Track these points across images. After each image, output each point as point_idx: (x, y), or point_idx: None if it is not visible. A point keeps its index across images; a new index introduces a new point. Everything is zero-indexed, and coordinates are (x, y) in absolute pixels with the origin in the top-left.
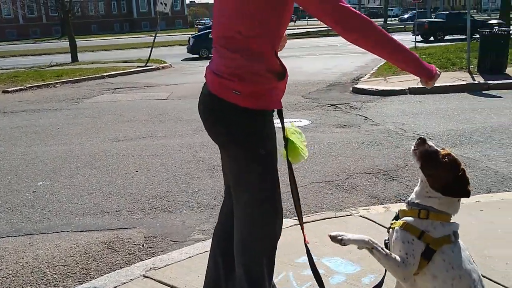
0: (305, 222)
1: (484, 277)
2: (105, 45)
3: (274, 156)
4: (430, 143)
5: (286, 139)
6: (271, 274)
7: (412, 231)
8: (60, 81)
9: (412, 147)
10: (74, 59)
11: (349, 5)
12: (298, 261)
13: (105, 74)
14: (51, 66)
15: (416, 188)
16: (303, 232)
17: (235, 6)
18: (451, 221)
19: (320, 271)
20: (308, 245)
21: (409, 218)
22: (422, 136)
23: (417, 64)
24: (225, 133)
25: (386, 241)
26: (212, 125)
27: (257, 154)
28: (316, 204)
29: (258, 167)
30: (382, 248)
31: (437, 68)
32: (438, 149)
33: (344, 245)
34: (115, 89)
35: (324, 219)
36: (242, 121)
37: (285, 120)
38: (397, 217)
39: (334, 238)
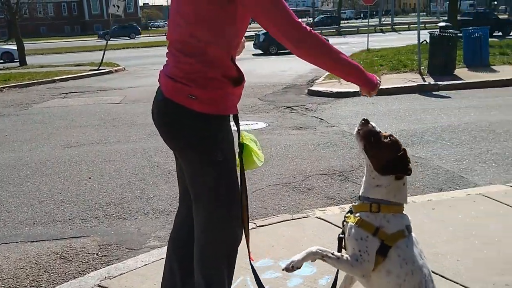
0: (262, 225)
1: (436, 274)
2: (56, 48)
3: (230, 161)
4: (373, 123)
5: (241, 145)
6: (230, 279)
7: (366, 227)
8: (7, 85)
9: (356, 129)
10: (22, 62)
11: (300, 21)
12: (256, 265)
13: (56, 78)
14: None
15: (364, 179)
16: (248, 248)
17: (192, 11)
18: (404, 214)
19: (278, 274)
20: (265, 248)
21: (363, 214)
22: (364, 118)
23: (361, 76)
24: (181, 138)
25: (341, 235)
26: (167, 130)
27: (212, 159)
28: (273, 206)
29: (213, 172)
30: (332, 253)
31: (377, 77)
32: (381, 131)
33: (298, 268)
34: (66, 93)
35: (281, 221)
36: (197, 125)
37: (241, 123)
38: (351, 211)
39: (288, 269)
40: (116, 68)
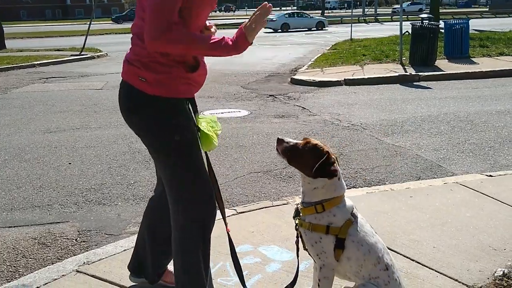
0: (243, 212)
1: (413, 260)
2: (36, 32)
3: (189, 143)
4: (287, 139)
5: (197, 128)
6: (206, 261)
7: (318, 229)
8: None
9: (275, 149)
10: (1, 46)
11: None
12: (236, 251)
13: (36, 62)
14: None
15: (301, 186)
16: (225, 221)
17: (147, 1)
18: (345, 200)
19: (257, 259)
20: (245, 234)
21: (311, 216)
22: (278, 137)
23: (228, 48)
24: (138, 120)
25: (297, 239)
26: (126, 113)
27: (169, 141)
28: (254, 194)
29: (172, 154)
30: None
31: (246, 25)
32: (297, 141)
33: None
34: (46, 78)
35: (261, 208)
36: (151, 107)
37: (224, 111)
38: (297, 212)
39: None
40: (98, 54)
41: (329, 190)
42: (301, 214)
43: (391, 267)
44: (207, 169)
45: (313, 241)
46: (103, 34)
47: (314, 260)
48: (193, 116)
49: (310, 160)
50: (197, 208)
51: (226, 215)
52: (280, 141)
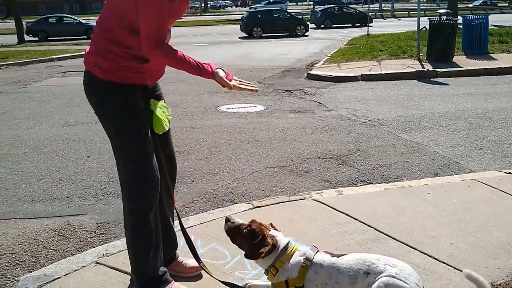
0: (259, 206)
1: (430, 256)
2: None
3: (135, 127)
4: (233, 219)
5: (150, 111)
6: (147, 244)
7: (279, 286)
8: (5, 63)
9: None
10: (21, 40)
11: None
12: None
13: (54, 56)
14: None
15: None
16: (172, 199)
17: (108, 1)
18: (295, 247)
19: None
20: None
21: (274, 278)
22: (226, 216)
23: (201, 72)
24: (93, 101)
25: None
26: (86, 95)
27: (116, 123)
28: (270, 188)
29: (119, 136)
30: None
31: (217, 68)
32: (241, 223)
33: None
34: (65, 72)
35: (278, 203)
36: (103, 91)
37: (239, 106)
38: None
39: None
40: None
41: (270, 257)
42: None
43: (371, 266)
44: (162, 155)
45: None
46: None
47: None
48: (148, 101)
49: (245, 241)
50: (136, 192)
51: (243, 209)
52: (226, 221)
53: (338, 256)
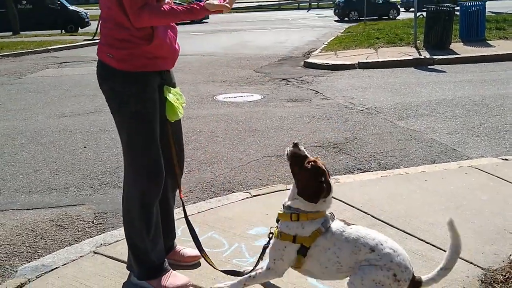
0: (257, 195)
1: (427, 242)
2: None
3: (144, 113)
4: (302, 148)
5: (164, 98)
6: (148, 228)
7: (285, 238)
8: (0, 54)
9: (287, 149)
10: (15, 31)
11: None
12: (250, 233)
13: (50, 47)
14: None
15: (291, 187)
16: (179, 188)
17: None
18: (325, 216)
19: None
20: (259, 217)
21: (283, 224)
22: (295, 141)
23: (193, 14)
24: (104, 90)
25: (266, 245)
26: (100, 87)
27: (125, 111)
28: (267, 177)
29: (126, 124)
30: (249, 276)
31: (205, 2)
32: (307, 155)
33: None
34: (61, 63)
35: (275, 191)
36: (114, 79)
37: (236, 95)
38: (278, 220)
39: None
40: None
41: (309, 206)
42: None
43: (378, 245)
44: (172, 142)
45: (277, 247)
46: None
47: (262, 271)
48: (162, 89)
49: (305, 178)
50: (140, 179)
51: (241, 199)
52: (295, 146)
53: (349, 225)
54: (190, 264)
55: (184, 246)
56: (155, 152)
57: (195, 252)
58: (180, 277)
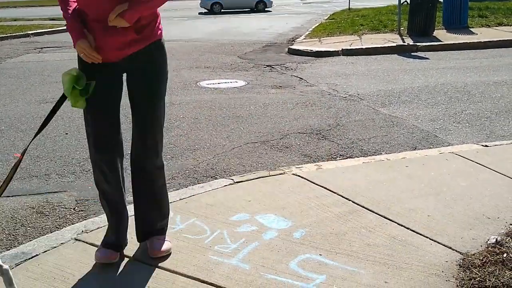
0: (240, 182)
1: (407, 228)
2: (29, 1)
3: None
4: None
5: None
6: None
7: None
8: None
9: None
10: None
11: None
12: (232, 219)
13: (30, 32)
14: None
15: None
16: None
17: None
18: None
19: (254, 228)
20: (242, 203)
21: None
22: None
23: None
24: (163, 65)
25: None
26: (157, 60)
27: (166, 85)
28: (251, 164)
29: (163, 96)
30: None
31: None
32: None
33: None
34: (41, 48)
35: (258, 178)
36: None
37: (220, 81)
38: None
39: None
40: None
41: None
42: None
43: None
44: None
45: None
46: None
47: None
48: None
49: None
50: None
51: (223, 185)
52: None
53: None
54: (155, 257)
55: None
56: (91, 131)
57: (161, 246)
58: (108, 254)
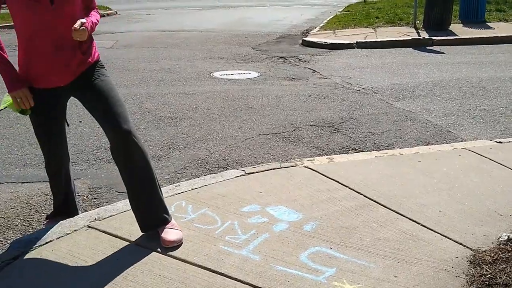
0: (251, 173)
1: (418, 223)
2: None
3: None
4: None
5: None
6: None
7: None
8: None
9: None
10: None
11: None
12: (243, 210)
13: None
14: None
15: None
16: None
17: None
18: None
19: (264, 219)
20: (253, 194)
21: None
22: None
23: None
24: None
25: None
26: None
27: None
28: (262, 155)
29: None
30: None
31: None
32: None
33: None
34: None
35: (270, 169)
36: None
37: (233, 72)
38: None
39: None
40: (108, 12)
41: None
42: None
43: None
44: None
45: None
46: None
47: None
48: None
49: None
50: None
51: (234, 176)
52: None
53: None
54: (167, 246)
55: (172, 225)
56: (40, 139)
57: (174, 236)
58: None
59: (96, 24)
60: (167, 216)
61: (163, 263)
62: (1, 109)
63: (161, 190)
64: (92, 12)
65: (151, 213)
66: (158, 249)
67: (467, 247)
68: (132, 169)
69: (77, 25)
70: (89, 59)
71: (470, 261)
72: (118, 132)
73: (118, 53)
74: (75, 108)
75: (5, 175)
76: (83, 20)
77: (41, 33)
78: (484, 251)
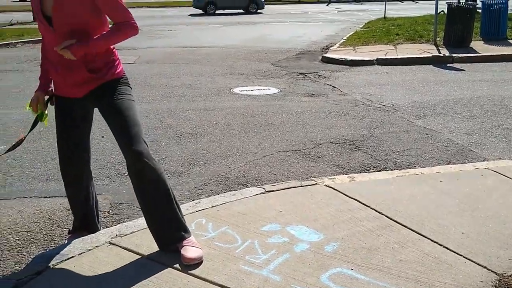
0: (271, 191)
1: (440, 245)
2: None
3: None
4: None
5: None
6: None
7: None
8: (21, 40)
9: None
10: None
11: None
12: (263, 229)
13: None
14: (12, 24)
15: None
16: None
17: None
18: None
19: (285, 239)
20: (273, 213)
21: None
22: None
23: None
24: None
25: None
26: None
27: None
28: (282, 172)
29: None
30: None
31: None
32: None
33: None
34: None
35: (290, 187)
36: None
37: (253, 88)
38: None
39: None
40: None
41: None
42: None
43: None
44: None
45: None
46: (134, 7)
47: None
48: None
49: None
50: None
51: (254, 194)
52: None
53: None
54: (187, 264)
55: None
56: (60, 150)
57: (193, 254)
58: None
59: (110, 40)
60: (184, 233)
61: (183, 281)
62: (28, 111)
63: (179, 207)
64: (113, 27)
65: (165, 230)
66: (179, 267)
67: (492, 271)
68: (143, 189)
69: (62, 44)
70: (105, 77)
71: (495, 286)
72: (130, 153)
73: (141, 68)
74: (97, 123)
75: (28, 189)
76: (72, 41)
77: (51, 50)
78: (510, 276)
